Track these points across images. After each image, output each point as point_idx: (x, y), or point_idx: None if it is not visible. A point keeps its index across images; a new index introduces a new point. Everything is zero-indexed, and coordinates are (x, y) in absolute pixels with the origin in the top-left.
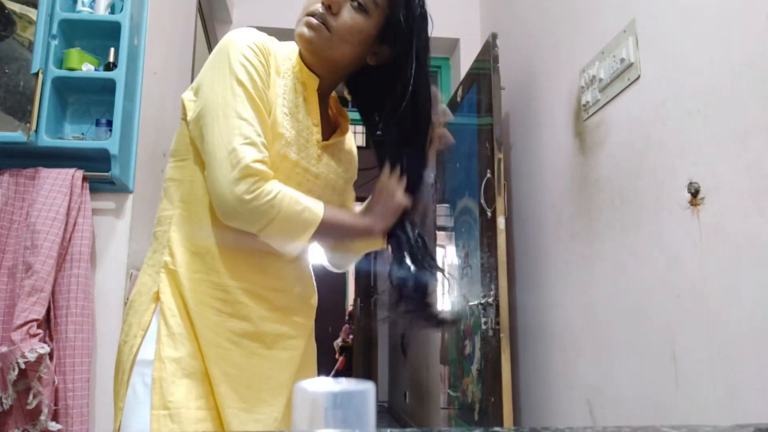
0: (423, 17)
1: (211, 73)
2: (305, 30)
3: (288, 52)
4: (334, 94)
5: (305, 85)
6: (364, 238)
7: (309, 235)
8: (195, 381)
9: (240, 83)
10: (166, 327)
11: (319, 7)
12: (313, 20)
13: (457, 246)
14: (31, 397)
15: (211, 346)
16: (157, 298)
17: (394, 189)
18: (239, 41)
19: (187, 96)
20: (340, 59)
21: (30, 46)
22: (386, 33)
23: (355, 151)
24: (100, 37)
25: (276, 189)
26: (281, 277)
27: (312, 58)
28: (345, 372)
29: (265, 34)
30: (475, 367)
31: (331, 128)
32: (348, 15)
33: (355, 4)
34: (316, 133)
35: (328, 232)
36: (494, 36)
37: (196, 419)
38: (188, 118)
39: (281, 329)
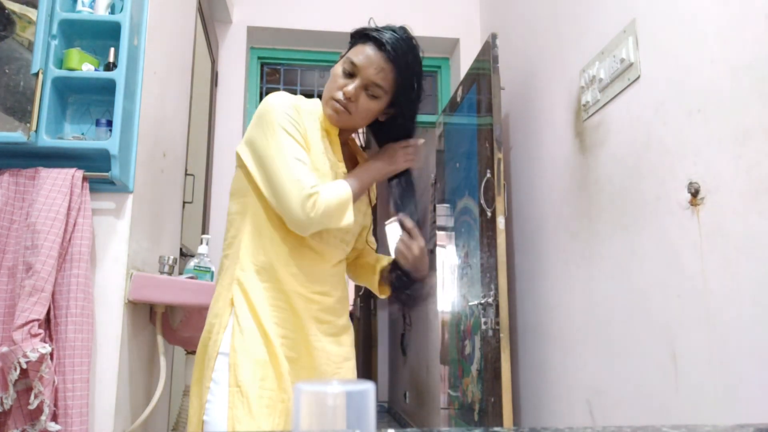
0: (419, 86)
1: (261, 130)
2: (332, 113)
3: (313, 107)
4: (352, 136)
5: (329, 133)
6: (379, 176)
7: (352, 208)
8: (258, 366)
9: (288, 134)
10: (239, 325)
11: (341, 96)
12: (338, 106)
13: (457, 246)
14: (32, 397)
15: (278, 337)
16: (232, 303)
17: (397, 150)
18: (279, 103)
19: (242, 150)
20: (358, 126)
21: (30, 46)
22: (393, 104)
23: None
24: (100, 37)
25: (322, 200)
26: (325, 283)
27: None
28: None
29: (294, 96)
30: (475, 367)
31: (352, 162)
32: (364, 101)
33: (369, 93)
34: (342, 168)
35: (359, 192)
36: (494, 36)
37: (258, 396)
38: (248, 166)
39: (329, 326)
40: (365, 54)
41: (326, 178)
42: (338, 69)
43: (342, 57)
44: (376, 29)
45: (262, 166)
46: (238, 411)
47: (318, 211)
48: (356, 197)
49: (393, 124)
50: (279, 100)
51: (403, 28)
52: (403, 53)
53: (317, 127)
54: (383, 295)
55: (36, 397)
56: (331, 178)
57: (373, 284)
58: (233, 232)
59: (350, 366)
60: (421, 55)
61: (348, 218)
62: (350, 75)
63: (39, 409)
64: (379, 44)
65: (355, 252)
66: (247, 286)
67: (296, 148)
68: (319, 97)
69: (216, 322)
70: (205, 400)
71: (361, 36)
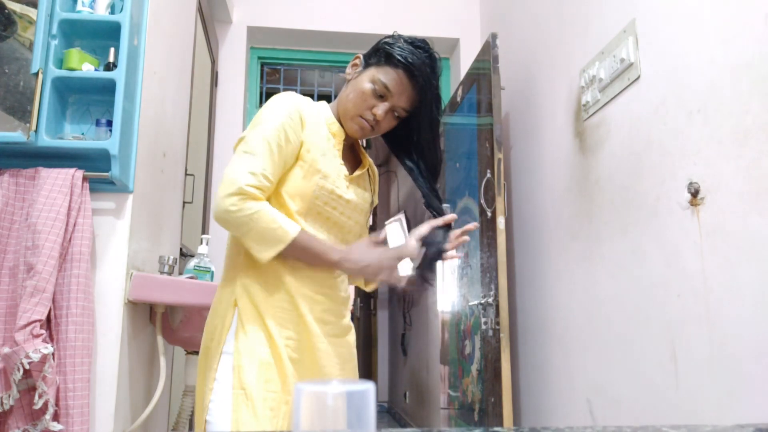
0: (437, 103)
1: (253, 125)
2: (358, 130)
3: (318, 110)
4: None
5: (335, 135)
6: (329, 268)
7: (279, 249)
8: (263, 368)
9: (266, 137)
10: (242, 326)
11: (372, 118)
12: (367, 125)
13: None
14: (37, 397)
15: (282, 338)
16: (235, 304)
17: (393, 263)
18: (278, 104)
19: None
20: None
21: (30, 46)
22: (409, 118)
23: (377, 178)
24: (100, 37)
25: (257, 208)
26: (330, 284)
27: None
28: None
29: (301, 98)
30: (475, 367)
31: (356, 164)
32: (389, 121)
33: (395, 114)
34: (344, 170)
35: (298, 253)
36: (494, 36)
37: (263, 398)
38: None
39: (332, 327)
40: (398, 81)
41: (329, 179)
42: (366, 86)
43: (363, 66)
44: (402, 48)
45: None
46: (242, 413)
47: (239, 214)
48: (293, 252)
49: (399, 130)
50: (281, 103)
51: (427, 48)
52: (430, 82)
53: (323, 129)
54: (368, 287)
55: (41, 396)
56: (335, 179)
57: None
58: None
59: (353, 367)
60: (440, 71)
61: (263, 254)
62: (380, 97)
63: (41, 409)
64: (411, 74)
65: None
66: (250, 287)
67: (263, 152)
68: (321, 97)
69: (219, 323)
70: (208, 401)
71: (390, 57)
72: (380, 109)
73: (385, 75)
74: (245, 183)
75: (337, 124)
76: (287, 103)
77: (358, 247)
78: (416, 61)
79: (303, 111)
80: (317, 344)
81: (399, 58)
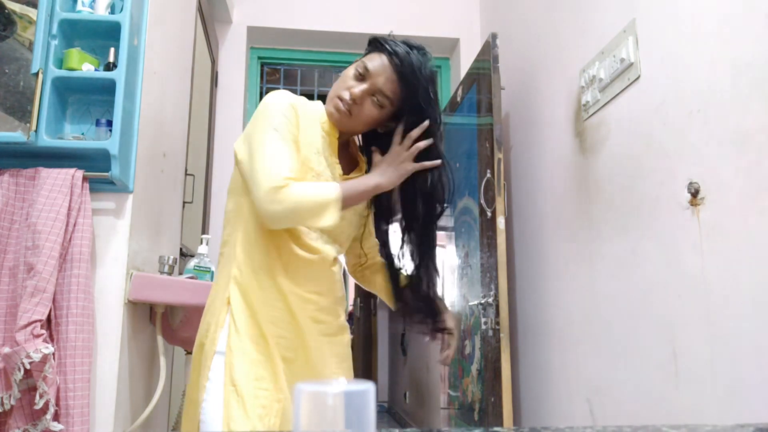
0: (430, 107)
1: (255, 124)
2: (333, 111)
3: (313, 108)
4: (353, 138)
5: (329, 134)
6: (376, 192)
7: (336, 213)
8: (254, 366)
9: (276, 129)
10: (235, 324)
11: (347, 97)
12: (341, 105)
13: (457, 246)
14: (37, 397)
15: (273, 337)
16: (228, 302)
17: (402, 154)
18: (276, 101)
19: (238, 145)
20: (357, 131)
21: (30, 46)
22: (395, 118)
23: None
24: (100, 37)
25: (289, 196)
26: (322, 283)
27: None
28: None
29: (294, 96)
30: (475, 367)
31: (352, 165)
32: (368, 107)
33: (375, 99)
34: (338, 169)
35: (349, 203)
36: (494, 36)
37: (254, 396)
38: (240, 161)
39: (325, 326)
40: (379, 62)
41: (321, 178)
42: (350, 71)
43: (356, 62)
44: (394, 41)
45: (251, 157)
46: (233, 410)
47: (284, 205)
48: (347, 203)
49: (389, 139)
50: (277, 98)
51: (421, 48)
52: (413, 71)
53: (317, 127)
54: (395, 307)
55: (41, 396)
56: (327, 178)
57: (387, 299)
58: (229, 230)
59: (347, 367)
60: (432, 71)
61: (327, 220)
62: (361, 78)
63: (41, 409)
64: (391, 57)
65: (358, 256)
66: (243, 285)
67: (280, 145)
68: (320, 97)
69: (212, 321)
70: (202, 399)
71: (377, 44)
72: (357, 88)
73: (369, 59)
74: (281, 177)
75: (330, 124)
76: (281, 99)
77: (379, 162)
78: (401, 51)
79: (297, 107)
80: (310, 343)
81: (385, 45)
